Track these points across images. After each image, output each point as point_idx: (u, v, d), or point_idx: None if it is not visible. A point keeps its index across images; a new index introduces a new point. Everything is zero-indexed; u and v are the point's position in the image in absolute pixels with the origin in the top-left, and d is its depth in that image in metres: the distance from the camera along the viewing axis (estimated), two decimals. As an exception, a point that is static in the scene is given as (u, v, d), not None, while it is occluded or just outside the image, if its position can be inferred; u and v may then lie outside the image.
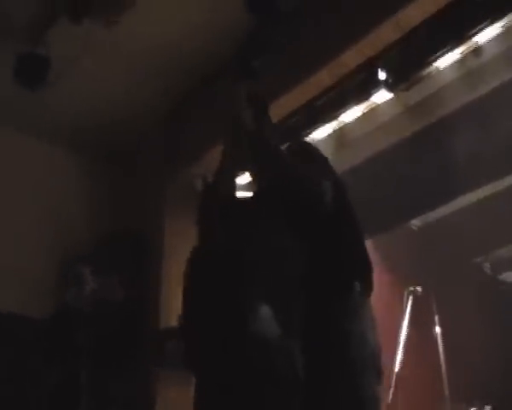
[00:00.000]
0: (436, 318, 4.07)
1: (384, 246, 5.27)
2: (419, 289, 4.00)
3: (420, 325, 4.07)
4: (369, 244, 5.29)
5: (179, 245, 4.84)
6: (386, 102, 4.18)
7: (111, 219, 5.44)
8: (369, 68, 3.86)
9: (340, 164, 5.10)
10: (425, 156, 4.63)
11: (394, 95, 4.06)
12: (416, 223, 5.40)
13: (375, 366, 2.19)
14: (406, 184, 4.74)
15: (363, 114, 4.29)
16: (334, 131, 4.42)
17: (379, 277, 5.20)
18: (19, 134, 5.23)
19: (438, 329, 4.03)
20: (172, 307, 4.50)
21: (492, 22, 3.48)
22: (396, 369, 3.58)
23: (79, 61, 4.40)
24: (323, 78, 3.95)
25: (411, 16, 3.56)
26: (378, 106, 4.21)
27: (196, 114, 4.90)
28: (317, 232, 2.28)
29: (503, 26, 3.53)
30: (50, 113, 5.10)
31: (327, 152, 4.90)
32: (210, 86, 4.71)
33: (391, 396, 3.48)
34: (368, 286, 2.37)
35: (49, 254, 5.10)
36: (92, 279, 4.05)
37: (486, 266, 5.92)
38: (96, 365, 3.56)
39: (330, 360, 2.13)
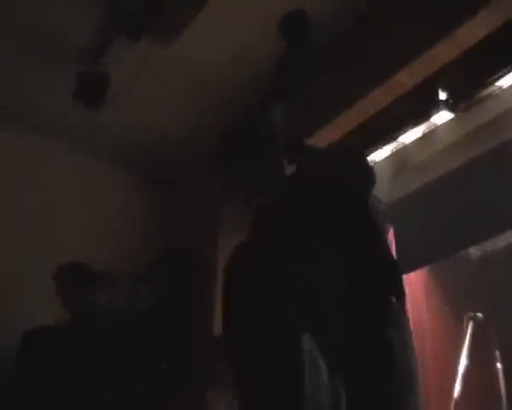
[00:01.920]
0: (497, 353, 3.90)
1: (442, 274, 5.11)
2: (480, 315, 3.83)
3: (480, 353, 3.91)
4: (426, 272, 5.22)
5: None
6: (447, 125, 4.05)
7: (165, 238, 5.46)
8: (427, 88, 3.75)
9: (399, 188, 5.04)
10: (486, 182, 4.46)
11: (455, 116, 3.94)
12: (474, 252, 5.21)
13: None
14: (466, 210, 4.58)
15: (423, 136, 4.17)
16: (393, 153, 4.31)
17: (437, 305, 5.10)
18: (75, 152, 5.31)
19: (499, 365, 3.85)
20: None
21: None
22: (455, 395, 3.43)
23: (136, 80, 4.47)
24: (379, 98, 3.86)
25: (470, 34, 3.44)
26: (438, 128, 4.09)
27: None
28: (357, 238, 2.20)
29: None
30: (106, 132, 5.17)
31: (386, 175, 4.89)
32: (265, 105, 4.68)
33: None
34: (403, 296, 2.30)
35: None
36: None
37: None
38: (120, 374, 3.51)
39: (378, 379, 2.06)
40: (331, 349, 2.06)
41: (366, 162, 2.58)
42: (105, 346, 3.48)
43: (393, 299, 2.22)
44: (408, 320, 2.29)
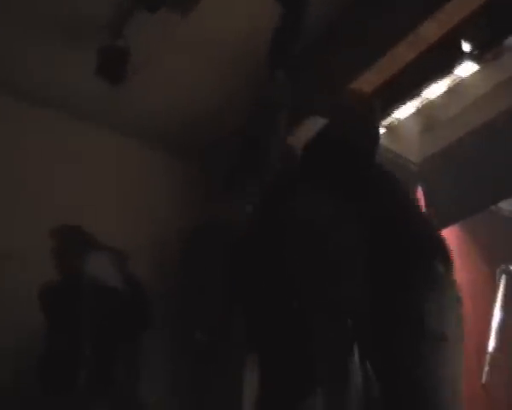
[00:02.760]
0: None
1: (474, 230, 5.06)
2: (512, 267, 3.79)
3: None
4: (458, 228, 5.17)
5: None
6: (474, 77, 3.98)
7: (198, 215, 5.46)
8: (451, 40, 3.66)
9: (427, 146, 4.98)
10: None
11: (481, 67, 3.86)
12: (506, 207, 5.13)
13: None
14: (497, 165, 4.50)
15: (449, 90, 4.10)
16: (419, 110, 4.25)
17: (471, 260, 5.06)
18: (102, 127, 5.34)
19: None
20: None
21: None
22: (490, 349, 3.40)
23: (158, 54, 4.47)
24: (401, 53, 3.78)
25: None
26: (464, 81, 4.01)
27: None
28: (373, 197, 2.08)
29: None
30: (132, 106, 5.17)
31: (412, 133, 4.84)
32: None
33: (485, 377, 3.31)
34: (450, 264, 2.13)
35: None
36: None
37: None
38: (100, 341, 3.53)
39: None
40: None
41: (367, 122, 2.33)
42: (86, 310, 3.52)
43: (438, 266, 2.07)
44: (454, 288, 2.11)
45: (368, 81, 4.05)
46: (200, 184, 5.62)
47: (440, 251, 2.14)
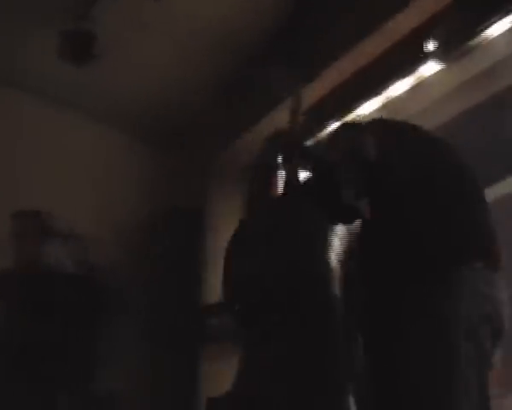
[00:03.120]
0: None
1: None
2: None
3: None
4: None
5: (223, 223, 4.84)
6: (437, 76, 4.01)
7: (159, 198, 5.44)
8: (416, 39, 3.70)
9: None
10: (477, 135, 4.45)
11: (445, 67, 3.89)
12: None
13: None
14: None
15: (413, 88, 4.12)
16: (382, 106, 4.27)
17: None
18: (68, 111, 5.25)
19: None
20: (215, 284, 4.55)
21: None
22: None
23: (126, 37, 4.42)
24: (367, 49, 3.81)
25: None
26: (428, 80, 4.04)
27: (244, 92, 4.83)
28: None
29: None
30: (98, 90, 5.11)
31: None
32: (259, 64, 4.63)
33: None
34: (494, 259, 1.97)
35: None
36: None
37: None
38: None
39: None
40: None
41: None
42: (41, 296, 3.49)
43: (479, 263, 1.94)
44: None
45: (332, 77, 4.07)
46: (170, 169, 5.59)
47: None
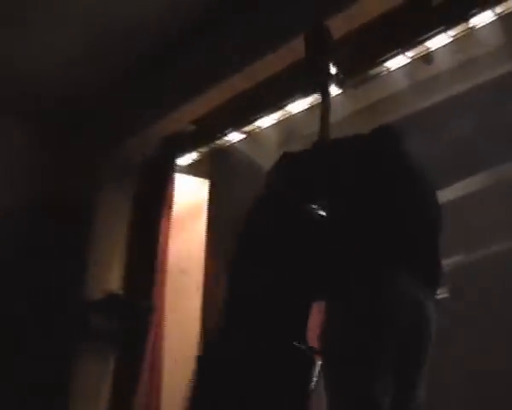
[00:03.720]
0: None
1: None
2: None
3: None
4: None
5: (110, 218, 4.71)
6: (336, 100, 4.08)
7: (48, 189, 5.19)
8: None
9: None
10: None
11: (344, 92, 3.98)
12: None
13: None
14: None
15: (312, 108, 4.17)
16: (280, 121, 4.30)
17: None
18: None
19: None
20: (99, 280, 4.44)
21: (445, 30, 3.44)
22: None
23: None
24: (270, 64, 3.83)
25: (364, 11, 3.48)
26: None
27: (139, 90, 4.72)
28: None
29: (454, 36, 3.49)
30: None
31: (272, 143, 4.91)
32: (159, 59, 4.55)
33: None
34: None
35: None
36: None
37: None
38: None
39: None
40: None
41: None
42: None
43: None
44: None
45: (235, 86, 4.06)
46: (61, 161, 5.35)
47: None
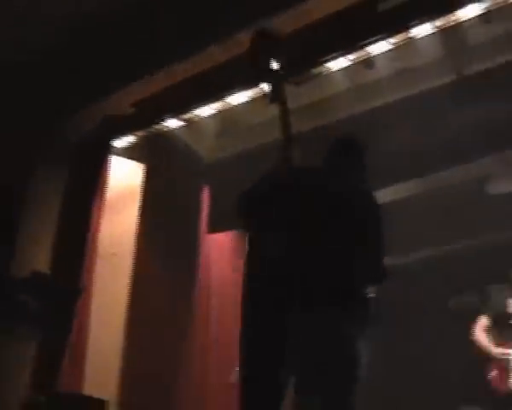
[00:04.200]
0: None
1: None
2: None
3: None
4: (235, 233, 5.31)
5: (42, 198, 4.61)
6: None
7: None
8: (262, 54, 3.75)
9: (221, 149, 5.09)
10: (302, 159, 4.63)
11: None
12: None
13: None
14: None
15: (252, 101, 4.19)
16: (220, 112, 4.30)
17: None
18: None
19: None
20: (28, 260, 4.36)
21: (386, 38, 3.52)
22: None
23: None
24: (214, 53, 3.82)
25: (309, 12, 3.52)
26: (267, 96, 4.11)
27: (79, 68, 4.61)
28: None
29: (394, 44, 3.58)
30: None
31: (210, 133, 4.90)
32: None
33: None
34: None
35: None
36: None
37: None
38: None
39: None
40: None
41: None
42: None
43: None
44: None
45: (176, 73, 4.03)
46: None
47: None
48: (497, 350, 3.70)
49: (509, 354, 3.62)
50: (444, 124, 4.26)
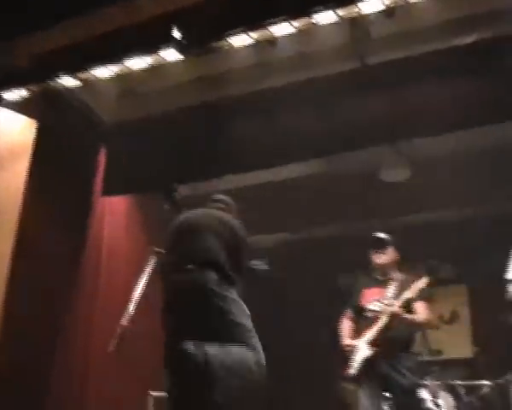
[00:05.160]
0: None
1: (144, 206, 5.24)
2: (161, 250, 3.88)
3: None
4: (130, 200, 5.24)
5: None
6: (177, 65, 4.06)
7: None
8: (165, 22, 3.68)
9: (120, 112, 4.97)
10: (200, 130, 4.63)
11: (186, 59, 3.96)
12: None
13: None
14: (180, 152, 4.72)
15: (152, 68, 4.11)
16: (119, 76, 4.18)
17: (136, 233, 5.19)
18: None
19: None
20: None
21: (288, 19, 3.53)
22: (124, 322, 3.48)
23: None
24: (116, 16, 3.70)
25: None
26: (168, 65, 4.06)
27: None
28: None
29: (297, 27, 3.59)
30: None
31: (109, 95, 4.78)
32: None
33: (112, 346, 3.41)
34: None
35: None
36: None
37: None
38: None
39: None
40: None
41: None
42: None
43: None
44: None
45: (75, 32, 3.89)
46: None
47: None
48: (345, 341, 3.66)
49: (353, 345, 3.53)
50: (343, 110, 4.33)
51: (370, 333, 3.46)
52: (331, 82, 4.31)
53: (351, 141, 4.27)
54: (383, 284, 3.64)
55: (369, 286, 3.68)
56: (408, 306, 3.45)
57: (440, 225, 5.58)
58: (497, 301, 3.41)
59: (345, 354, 3.53)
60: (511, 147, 4.50)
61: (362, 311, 3.61)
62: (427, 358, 5.13)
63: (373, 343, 3.42)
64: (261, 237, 6.21)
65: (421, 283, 3.46)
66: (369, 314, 3.54)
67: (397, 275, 3.66)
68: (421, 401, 4.43)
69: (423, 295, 3.51)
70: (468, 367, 5.27)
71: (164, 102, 4.80)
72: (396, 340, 3.45)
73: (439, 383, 4.78)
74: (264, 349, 2.71)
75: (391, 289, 3.58)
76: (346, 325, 3.70)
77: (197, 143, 4.69)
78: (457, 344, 6.03)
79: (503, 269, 3.44)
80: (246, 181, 5.20)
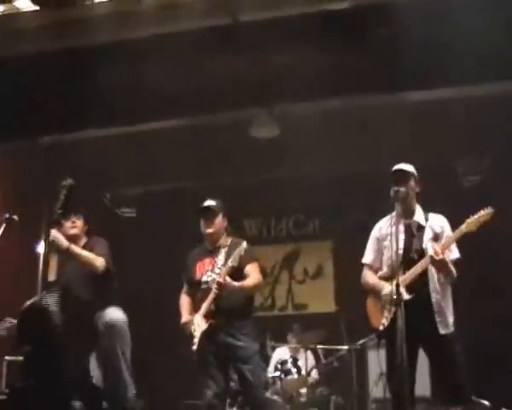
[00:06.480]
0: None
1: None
2: (14, 217, 3.64)
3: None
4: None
5: None
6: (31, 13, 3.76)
7: None
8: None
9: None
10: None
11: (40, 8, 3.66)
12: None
13: None
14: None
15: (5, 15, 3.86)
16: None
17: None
18: None
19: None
20: None
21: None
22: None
23: None
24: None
25: None
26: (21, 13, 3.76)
27: None
28: None
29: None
30: None
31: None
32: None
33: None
34: None
35: None
36: None
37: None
38: None
39: None
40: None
41: None
42: None
43: None
44: None
45: None
46: None
47: None
48: (183, 319, 3.50)
49: (191, 321, 3.46)
50: (212, 67, 4.18)
51: (205, 306, 3.37)
52: (200, 37, 4.11)
53: (218, 100, 4.15)
54: (214, 253, 3.51)
55: (201, 257, 3.55)
56: (235, 273, 3.34)
57: (308, 182, 5.61)
58: (359, 257, 3.44)
59: (186, 332, 3.46)
60: (375, 112, 4.57)
61: (197, 284, 3.49)
62: (290, 312, 5.27)
63: (208, 316, 3.34)
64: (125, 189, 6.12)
65: (241, 249, 3.34)
66: (203, 286, 3.42)
67: (225, 242, 3.54)
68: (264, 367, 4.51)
69: (252, 257, 3.45)
70: (332, 321, 5.35)
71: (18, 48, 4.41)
72: (231, 309, 3.36)
73: (299, 345, 4.90)
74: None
75: (220, 258, 3.46)
76: (183, 301, 3.59)
77: (55, 93, 4.38)
78: (322, 299, 6.21)
79: (366, 226, 3.42)
80: (108, 131, 4.95)
